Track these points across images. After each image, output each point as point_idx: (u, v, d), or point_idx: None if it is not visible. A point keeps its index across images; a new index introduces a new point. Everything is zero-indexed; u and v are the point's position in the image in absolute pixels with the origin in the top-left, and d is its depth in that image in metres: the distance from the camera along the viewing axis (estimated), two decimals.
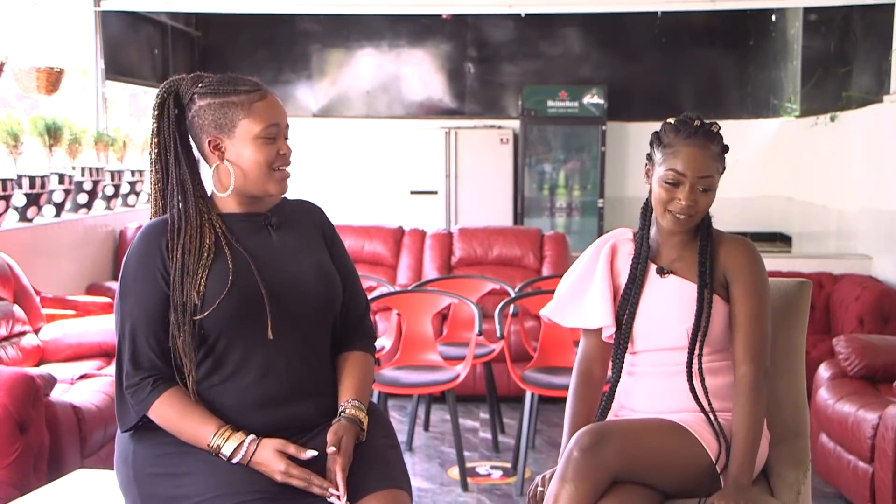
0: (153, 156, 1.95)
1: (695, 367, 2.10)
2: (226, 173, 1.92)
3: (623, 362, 2.18)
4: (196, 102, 1.92)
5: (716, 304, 2.13)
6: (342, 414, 1.93)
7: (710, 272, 2.13)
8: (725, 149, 2.16)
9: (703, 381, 2.10)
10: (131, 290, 1.88)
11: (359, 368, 2.03)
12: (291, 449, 1.83)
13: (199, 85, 1.92)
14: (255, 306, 1.87)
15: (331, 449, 1.83)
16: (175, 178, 1.93)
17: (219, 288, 1.85)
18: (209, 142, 1.92)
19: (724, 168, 2.16)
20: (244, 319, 1.87)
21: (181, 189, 1.93)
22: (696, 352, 2.10)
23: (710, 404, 2.08)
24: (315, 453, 1.84)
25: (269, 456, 1.82)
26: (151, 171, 1.96)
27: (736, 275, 2.13)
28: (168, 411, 1.85)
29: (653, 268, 2.19)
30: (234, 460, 1.82)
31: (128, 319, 1.88)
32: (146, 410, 1.86)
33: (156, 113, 1.94)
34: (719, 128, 2.16)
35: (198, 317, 1.84)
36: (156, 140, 1.94)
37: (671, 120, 2.16)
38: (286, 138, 1.96)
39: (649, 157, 2.19)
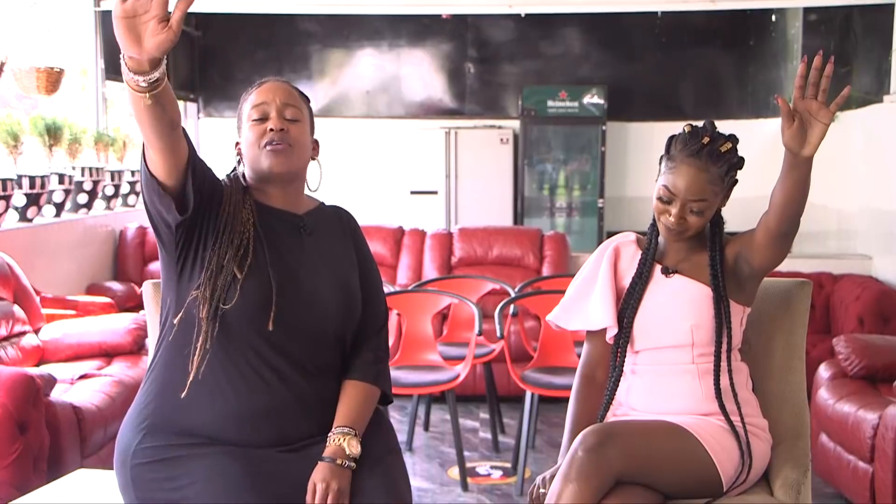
0: None
1: (724, 381, 2.11)
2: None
3: (624, 360, 2.18)
4: None
5: (732, 308, 2.14)
6: (325, 452, 1.85)
7: (722, 277, 2.12)
8: (736, 165, 2.11)
9: (733, 390, 2.11)
10: None
11: (352, 398, 1.94)
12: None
13: None
14: (264, 301, 1.84)
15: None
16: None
17: (240, 272, 1.84)
18: (235, 143, 2.02)
19: (730, 184, 2.13)
20: (251, 310, 1.84)
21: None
22: (724, 365, 2.11)
23: (739, 411, 2.09)
24: None
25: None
26: None
27: (739, 239, 2.13)
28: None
29: (658, 268, 2.20)
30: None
31: None
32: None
33: None
34: (733, 143, 2.10)
35: (226, 306, 1.81)
36: None
37: (687, 128, 2.13)
38: (285, 117, 1.94)
39: (661, 160, 2.17)
